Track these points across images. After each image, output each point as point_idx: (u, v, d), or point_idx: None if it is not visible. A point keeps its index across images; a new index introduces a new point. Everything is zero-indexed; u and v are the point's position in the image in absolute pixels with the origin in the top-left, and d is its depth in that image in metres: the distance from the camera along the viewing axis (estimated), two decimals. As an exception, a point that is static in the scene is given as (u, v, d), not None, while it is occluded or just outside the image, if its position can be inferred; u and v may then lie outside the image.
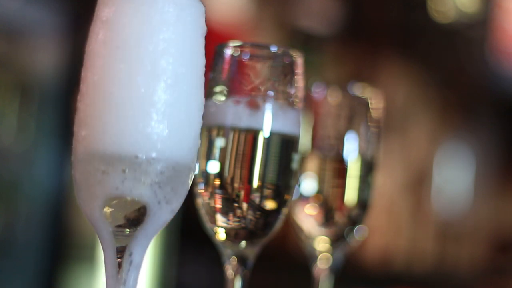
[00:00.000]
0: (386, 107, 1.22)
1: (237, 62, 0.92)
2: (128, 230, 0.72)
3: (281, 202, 0.91)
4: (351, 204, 1.14)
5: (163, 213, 0.73)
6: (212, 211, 0.91)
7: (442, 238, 3.96)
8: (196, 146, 0.75)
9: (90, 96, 0.72)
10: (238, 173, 0.89)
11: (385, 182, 3.55)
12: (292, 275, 2.60)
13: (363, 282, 3.30)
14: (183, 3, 0.74)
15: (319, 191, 1.13)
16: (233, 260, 0.92)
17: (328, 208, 1.13)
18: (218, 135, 0.90)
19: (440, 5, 3.89)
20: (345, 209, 1.14)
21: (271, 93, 0.90)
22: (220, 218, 0.90)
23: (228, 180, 0.89)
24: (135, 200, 0.71)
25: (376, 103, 1.17)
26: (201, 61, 0.76)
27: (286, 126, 0.91)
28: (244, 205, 0.89)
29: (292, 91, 0.92)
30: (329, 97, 1.15)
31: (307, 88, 1.11)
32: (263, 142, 0.89)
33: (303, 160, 1.12)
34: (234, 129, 0.89)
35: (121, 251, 0.72)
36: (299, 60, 0.93)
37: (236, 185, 0.89)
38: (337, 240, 1.14)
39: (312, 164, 1.13)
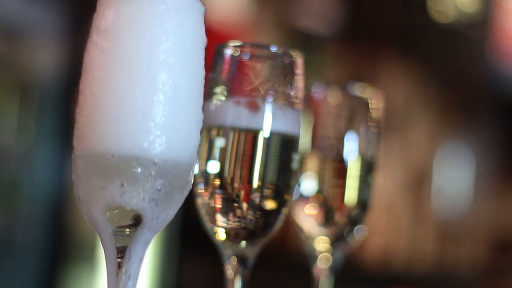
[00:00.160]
0: (386, 107, 1.22)
1: (237, 62, 0.92)
2: (128, 230, 0.72)
3: (281, 202, 0.91)
4: (351, 204, 1.14)
5: (161, 220, 0.74)
6: (212, 211, 0.91)
7: (442, 238, 3.96)
8: (194, 161, 0.75)
9: (89, 109, 0.72)
10: (238, 173, 0.89)
11: (385, 182, 3.55)
12: (292, 275, 2.60)
13: (363, 282, 3.30)
14: (184, 14, 0.73)
15: (319, 191, 1.13)
16: (233, 260, 0.92)
17: (328, 208, 1.13)
18: (218, 135, 0.90)
19: (440, 5, 3.89)
20: (345, 209, 1.14)
21: (271, 93, 0.90)
22: (220, 218, 0.90)
23: (228, 180, 0.89)
24: (134, 209, 0.72)
25: (376, 103, 1.17)
26: (201, 73, 0.75)
27: (286, 126, 0.91)
28: (244, 205, 0.89)
29: (292, 91, 0.92)
30: (329, 97, 1.15)
31: (307, 88, 1.11)
32: (263, 142, 0.89)
33: (303, 160, 1.12)
34: (234, 129, 0.89)
35: (121, 251, 0.73)
36: (299, 60, 0.93)
37: (236, 185, 0.89)
38: (337, 240, 1.14)
39: (312, 164, 1.13)
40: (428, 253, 3.88)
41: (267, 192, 0.90)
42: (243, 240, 0.91)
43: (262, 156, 0.89)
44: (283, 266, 3.13)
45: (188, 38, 0.73)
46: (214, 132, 0.90)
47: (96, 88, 0.71)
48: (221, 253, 0.93)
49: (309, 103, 1.14)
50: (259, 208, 0.89)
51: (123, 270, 0.72)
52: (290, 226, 1.16)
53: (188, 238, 3.12)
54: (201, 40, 0.75)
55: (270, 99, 0.90)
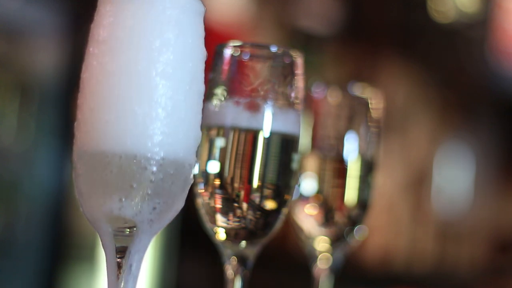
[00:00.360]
0: (386, 107, 1.22)
1: (237, 62, 0.92)
2: (128, 230, 0.73)
3: (281, 202, 0.91)
4: (351, 204, 1.14)
5: (162, 224, 0.74)
6: (212, 211, 0.91)
7: (442, 238, 3.96)
8: (189, 183, 0.75)
9: (88, 124, 0.71)
10: (238, 173, 0.89)
11: (385, 182, 3.55)
12: (292, 275, 2.60)
13: (363, 282, 3.30)
14: (184, 26, 0.72)
15: (319, 191, 1.13)
16: (233, 260, 0.92)
17: (328, 208, 1.13)
18: (218, 135, 0.90)
19: (440, 5, 3.89)
20: (345, 209, 1.14)
21: (271, 93, 0.90)
22: (220, 218, 0.90)
23: (228, 180, 0.89)
24: (133, 221, 0.72)
25: (376, 103, 1.17)
26: (201, 86, 0.75)
27: (286, 126, 0.91)
28: (244, 205, 0.89)
29: (292, 91, 0.92)
30: (329, 97, 1.15)
31: (307, 88, 1.11)
32: (263, 142, 0.89)
33: (303, 160, 1.12)
34: (234, 129, 0.89)
35: (121, 251, 0.73)
36: (299, 60, 0.93)
37: (236, 185, 0.89)
38: (337, 240, 1.14)
39: (312, 164, 1.13)
40: (428, 253, 3.88)
41: (267, 192, 0.90)
42: (243, 240, 0.91)
43: (262, 156, 0.89)
44: (283, 266, 3.13)
45: (188, 48, 0.73)
46: (214, 132, 0.90)
47: (94, 102, 0.71)
48: (221, 253, 0.93)
49: (309, 103, 1.14)
50: (259, 208, 0.89)
51: (123, 270, 0.72)
52: (290, 226, 1.16)
53: (188, 238, 3.12)
54: (201, 52, 0.74)
55: (270, 99, 0.90)
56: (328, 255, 1.14)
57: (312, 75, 2.49)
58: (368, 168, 1.15)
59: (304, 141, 1.12)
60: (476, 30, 4.01)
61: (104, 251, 0.73)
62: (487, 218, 4.16)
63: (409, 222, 3.83)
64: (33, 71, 2.77)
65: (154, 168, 0.71)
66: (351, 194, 1.14)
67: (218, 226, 0.91)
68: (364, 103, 1.15)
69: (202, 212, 0.92)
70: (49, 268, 2.80)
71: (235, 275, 0.92)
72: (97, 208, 0.72)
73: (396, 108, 3.72)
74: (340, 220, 1.13)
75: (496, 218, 4.20)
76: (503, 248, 4.13)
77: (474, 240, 4.07)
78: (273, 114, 0.90)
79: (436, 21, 3.87)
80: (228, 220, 0.90)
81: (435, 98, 3.95)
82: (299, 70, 0.93)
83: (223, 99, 0.91)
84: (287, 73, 0.92)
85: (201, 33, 0.75)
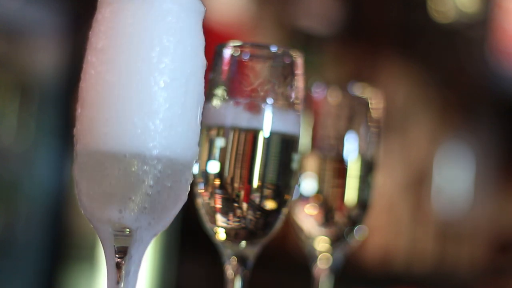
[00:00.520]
0: (386, 107, 1.22)
1: (237, 62, 0.92)
2: (128, 230, 0.73)
3: (281, 202, 0.91)
4: (351, 204, 1.14)
5: (161, 227, 0.75)
6: (212, 211, 0.91)
7: (442, 238, 3.96)
8: (183, 201, 0.75)
9: (86, 136, 0.71)
10: (238, 173, 0.89)
11: (385, 182, 3.55)
12: (292, 275, 2.60)
13: (363, 282, 3.30)
14: (183, 33, 0.72)
15: (319, 191, 1.13)
16: (233, 260, 0.92)
17: (328, 208, 1.13)
18: (218, 135, 0.90)
19: (440, 5, 3.89)
20: (345, 209, 1.14)
21: (271, 93, 0.90)
22: (220, 218, 0.90)
23: (228, 180, 0.89)
24: (132, 229, 0.73)
25: (376, 103, 1.17)
26: (201, 98, 0.75)
27: (286, 126, 0.91)
28: (244, 205, 0.89)
29: (292, 91, 0.92)
30: (329, 97, 1.15)
31: (307, 88, 1.11)
32: (263, 142, 0.89)
33: (303, 160, 1.12)
34: (234, 129, 0.89)
35: (121, 251, 0.73)
36: (299, 60, 0.93)
37: (236, 185, 0.89)
38: (337, 240, 1.14)
39: (312, 164, 1.13)
40: (428, 253, 3.88)
41: (267, 192, 0.90)
42: (243, 240, 0.91)
43: (262, 156, 0.89)
44: (283, 266, 3.13)
45: (187, 55, 0.72)
46: (214, 132, 0.90)
47: (92, 113, 0.70)
48: (221, 253, 0.93)
49: (309, 103, 1.14)
50: (259, 208, 0.89)
51: (123, 270, 0.72)
52: (290, 226, 1.16)
53: (188, 238, 3.12)
54: (201, 60, 0.74)
55: (270, 99, 0.90)
56: (328, 255, 1.14)
57: (312, 75, 2.49)
58: (368, 168, 1.15)
59: (304, 141, 1.12)
60: (476, 30, 4.01)
61: (104, 251, 0.73)
62: (487, 218, 4.16)
63: (409, 222, 3.82)
64: (33, 71, 2.77)
65: (152, 182, 0.71)
66: (351, 194, 1.14)
67: (218, 226, 0.91)
68: (364, 103, 1.15)
69: (202, 212, 0.92)
70: (49, 268, 2.80)
71: (235, 275, 0.92)
72: (98, 215, 0.72)
73: (396, 108, 3.72)
74: (340, 220, 1.13)
75: (496, 218, 4.20)
76: (503, 248, 4.13)
77: (474, 240, 4.07)
78: (273, 114, 0.90)
79: (436, 21, 3.87)
80: (228, 220, 0.90)
81: (435, 98, 3.95)
82: (299, 70, 0.93)
83: (223, 99, 0.91)
84: (287, 73, 0.92)
85: (201, 41, 0.75)
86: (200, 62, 0.74)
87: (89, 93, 0.71)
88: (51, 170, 2.80)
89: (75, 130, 0.72)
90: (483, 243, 4.11)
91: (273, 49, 0.93)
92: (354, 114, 1.15)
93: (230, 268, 0.92)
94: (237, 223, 0.90)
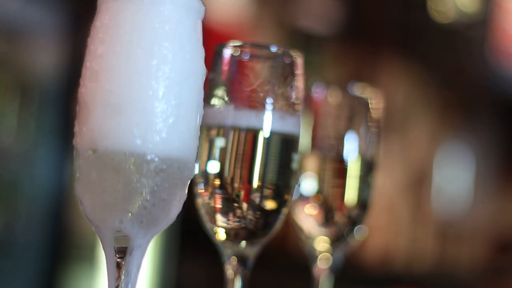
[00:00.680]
0: (386, 107, 1.22)
1: (237, 62, 0.92)
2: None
3: (281, 202, 0.91)
4: (351, 204, 1.14)
5: (160, 228, 0.75)
6: (212, 211, 0.91)
7: (442, 238, 3.96)
8: (178, 209, 0.75)
9: (85, 145, 0.71)
10: (238, 173, 0.89)
11: (385, 182, 3.55)
12: (292, 275, 2.60)
13: (363, 282, 3.30)
14: (183, 39, 0.72)
15: (319, 191, 1.13)
16: (233, 260, 0.92)
17: (328, 208, 1.13)
18: (218, 135, 0.90)
19: (440, 5, 3.89)
20: (345, 209, 1.14)
21: (271, 93, 0.90)
22: (220, 218, 0.90)
23: (228, 180, 0.89)
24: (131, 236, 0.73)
25: (376, 103, 1.17)
26: (200, 102, 0.75)
27: (286, 126, 0.91)
28: (244, 205, 0.89)
29: (292, 91, 0.92)
30: (329, 97, 1.15)
31: (307, 88, 1.11)
32: (263, 142, 0.89)
33: (303, 160, 1.12)
34: (234, 129, 0.89)
35: (121, 251, 0.73)
36: (299, 60, 0.93)
37: (236, 185, 0.89)
38: (337, 240, 1.14)
39: (312, 164, 1.13)
40: (428, 253, 3.88)
41: (267, 192, 0.90)
42: (243, 240, 0.91)
43: (262, 156, 0.89)
44: (283, 266, 3.13)
45: (186, 62, 0.72)
46: (214, 132, 0.90)
47: (91, 126, 0.70)
48: (221, 253, 0.93)
49: (309, 103, 1.14)
50: (259, 208, 0.89)
51: (123, 270, 0.72)
52: (290, 226, 1.16)
53: (188, 238, 3.12)
54: (202, 69, 0.74)
55: (270, 99, 0.90)
56: (328, 255, 1.14)
57: (312, 75, 2.49)
58: (368, 168, 1.15)
59: (304, 141, 1.12)
60: (476, 30, 4.01)
61: (104, 251, 0.73)
62: (487, 218, 4.15)
63: (409, 222, 3.82)
64: (33, 71, 2.77)
65: (148, 195, 0.71)
66: (351, 194, 1.14)
67: (218, 226, 0.91)
68: (364, 103, 1.15)
69: (202, 212, 0.92)
70: (49, 268, 2.80)
71: (235, 275, 0.92)
72: (99, 222, 0.72)
73: (396, 108, 3.72)
74: (340, 220, 1.13)
75: (496, 218, 4.20)
76: (503, 248, 4.13)
77: (474, 240, 4.07)
78: (273, 114, 0.90)
79: (436, 21, 3.87)
80: (228, 220, 0.90)
81: (435, 98, 3.95)
82: (299, 70, 0.93)
83: (223, 99, 0.91)
84: (287, 73, 0.92)
85: (201, 52, 0.74)
86: (199, 67, 0.74)
87: (88, 99, 0.71)
88: (51, 170, 2.80)
89: (74, 140, 0.73)
90: (483, 243, 4.11)
91: (273, 49, 0.93)
92: (354, 114, 1.15)
93: (230, 268, 0.92)
94: (237, 223, 0.90)
